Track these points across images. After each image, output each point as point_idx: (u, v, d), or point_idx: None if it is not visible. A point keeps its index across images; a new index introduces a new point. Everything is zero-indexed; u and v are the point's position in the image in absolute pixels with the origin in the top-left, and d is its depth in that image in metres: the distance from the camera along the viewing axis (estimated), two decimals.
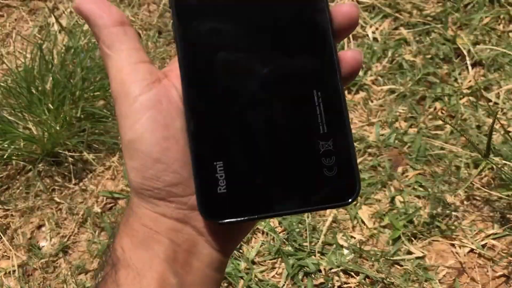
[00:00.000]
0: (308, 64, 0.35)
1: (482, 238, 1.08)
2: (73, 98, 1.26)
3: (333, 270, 1.06)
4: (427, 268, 1.06)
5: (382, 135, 1.24)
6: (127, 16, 1.46)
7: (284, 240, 1.11)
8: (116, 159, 1.26)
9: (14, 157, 1.24)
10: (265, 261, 1.09)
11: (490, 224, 1.10)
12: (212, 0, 0.36)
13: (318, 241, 1.10)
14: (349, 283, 1.05)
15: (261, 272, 1.08)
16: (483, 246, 1.07)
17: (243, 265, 1.08)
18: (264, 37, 0.36)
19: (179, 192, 0.35)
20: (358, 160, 1.20)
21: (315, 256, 1.08)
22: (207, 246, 0.36)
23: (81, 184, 1.23)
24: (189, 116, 0.34)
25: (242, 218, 0.34)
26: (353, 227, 1.12)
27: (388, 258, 1.06)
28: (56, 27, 1.48)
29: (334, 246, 1.09)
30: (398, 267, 1.06)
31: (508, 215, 1.10)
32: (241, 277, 1.07)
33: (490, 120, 1.22)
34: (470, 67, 1.32)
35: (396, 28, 1.44)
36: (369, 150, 1.22)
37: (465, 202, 1.13)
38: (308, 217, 1.12)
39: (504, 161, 1.12)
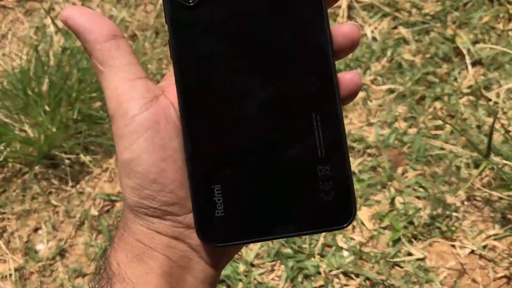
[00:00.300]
0: (307, 87, 0.35)
1: (483, 239, 1.07)
2: (69, 99, 1.25)
3: (333, 272, 1.05)
4: (427, 269, 1.05)
5: (382, 135, 1.23)
6: (123, 17, 1.46)
7: (283, 242, 1.10)
8: (113, 161, 1.25)
9: (10, 160, 1.23)
10: (264, 263, 1.08)
11: (491, 224, 1.09)
12: (210, 20, 0.35)
13: (317, 243, 1.09)
14: (349, 285, 1.04)
15: (260, 274, 1.07)
16: (484, 247, 1.06)
17: (242, 267, 1.07)
18: (263, 58, 0.35)
19: (175, 211, 0.34)
20: (358, 161, 1.19)
21: (314, 258, 1.07)
22: (201, 262, 0.36)
23: (78, 186, 1.22)
24: (187, 139, 0.34)
25: (239, 242, 0.34)
26: (353, 228, 1.11)
27: (388, 259, 1.05)
28: (52, 28, 1.47)
29: (334, 248, 1.08)
30: (399, 268, 1.05)
31: (509, 216, 1.09)
32: (240, 280, 1.06)
33: (490, 120, 1.21)
34: (469, 66, 1.31)
35: (395, 27, 1.43)
36: (369, 150, 1.21)
37: (466, 203, 1.12)
38: None
39: (504, 161, 1.11)
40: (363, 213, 1.12)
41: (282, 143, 0.35)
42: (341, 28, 0.35)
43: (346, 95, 0.35)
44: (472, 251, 1.07)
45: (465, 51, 1.33)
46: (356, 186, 1.15)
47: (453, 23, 1.40)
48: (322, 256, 1.08)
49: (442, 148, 1.18)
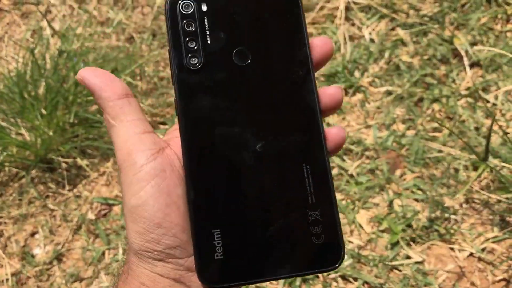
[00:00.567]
0: (298, 141, 0.39)
1: (481, 241, 1.07)
2: (66, 103, 1.24)
3: (331, 276, 1.05)
4: (426, 272, 1.04)
5: (380, 137, 1.23)
6: (120, 19, 1.45)
7: None
8: (111, 164, 1.24)
9: (6, 164, 1.23)
10: None
11: (489, 227, 1.09)
12: (212, 82, 0.39)
13: None
14: None
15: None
16: (483, 249, 1.06)
17: None
18: (258, 116, 0.40)
19: (177, 254, 0.37)
20: (356, 163, 1.18)
21: None
22: None
23: (75, 190, 1.22)
24: (189, 187, 0.37)
25: (237, 283, 0.37)
26: (351, 231, 1.11)
27: (386, 263, 1.05)
28: (48, 31, 1.46)
29: None
30: (397, 272, 1.05)
31: (507, 218, 1.08)
32: None
33: (488, 122, 1.21)
34: (468, 68, 1.31)
35: (392, 29, 1.42)
36: (367, 153, 1.20)
37: (464, 205, 1.11)
38: None
39: (503, 164, 1.11)
40: (361, 216, 1.12)
41: (277, 191, 0.39)
42: (327, 90, 0.40)
43: (333, 146, 0.40)
44: (471, 254, 1.06)
45: (463, 53, 1.32)
46: (354, 189, 1.15)
47: (451, 24, 1.40)
48: None
49: (440, 151, 1.18)
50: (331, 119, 1.26)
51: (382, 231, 1.10)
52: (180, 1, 0.40)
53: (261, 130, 0.39)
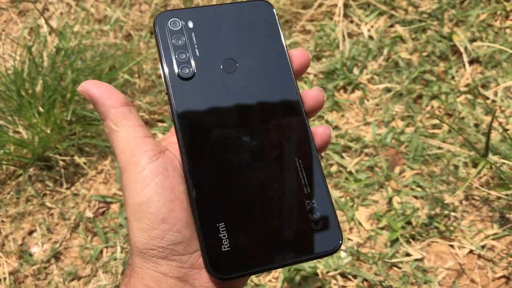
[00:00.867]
0: (289, 140, 0.43)
1: (481, 238, 1.06)
2: (63, 100, 1.24)
3: (330, 274, 1.04)
4: (426, 270, 1.04)
5: (379, 134, 1.22)
6: (118, 16, 1.44)
7: None
8: (108, 162, 1.24)
9: (4, 162, 1.22)
10: None
11: (489, 224, 1.08)
12: (203, 89, 0.43)
13: None
14: (346, 287, 1.03)
15: (257, 276, 1.06)
16: (483, 246, 1.06)
17: None
18: (250, 118, 0.43)
19: (181, 250, 0.38)
20: (355, 161, 1.18)
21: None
22: None
23: (72, 188, 1.21)
24: (191, 185, 0.40)
25: (246, 272, 0.39)
26: (350, 229, 1.10)
27: (386, 260, 1.04)
28: (46, 28, 1.45)
29: None
30: (397, 269, 1.04)
31: (507, 215, 1.08)
32: None
33: (488, 118, 1.20)
34: (467, 65, 1.30)
35: (391, 26, 1.42)
36: (366, 150, 1.20)
37: (464, 202, 1.11)
38: None
39: (502, 160, 1.11)
40: (361, 213, 1.11)
41: (275, 184, 0.42)
42: (308, 92, 0.45)
43: (320, 143, 0.44)
44: (471, 251, 1.06)
45: (462, 49, 1.32)
46: (353, 186, 1.14)
47: (450, 21, 1.40)
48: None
49: (439, 147, 1.17)
50: (330, 116, 1.26)
51: (382, 228, 1.09)
52: (168, 19, 0.44)
53: (254, 130, 0.43)
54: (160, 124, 1.30)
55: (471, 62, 1.32)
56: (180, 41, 0.44)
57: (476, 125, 1.20)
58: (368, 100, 1.29)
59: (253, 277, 1.05)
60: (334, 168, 1.18)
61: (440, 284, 1.02)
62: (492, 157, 1.12)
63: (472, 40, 1.35)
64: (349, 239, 1.08)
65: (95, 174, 1.23)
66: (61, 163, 1.21)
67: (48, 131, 1.20)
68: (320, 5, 1.46)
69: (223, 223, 0.39)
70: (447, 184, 1.12)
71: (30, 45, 1.32)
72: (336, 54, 1.37)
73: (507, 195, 1.07)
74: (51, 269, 1.11)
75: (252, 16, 0.46)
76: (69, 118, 1.21)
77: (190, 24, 0.45)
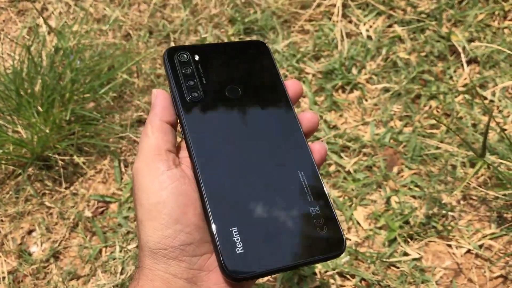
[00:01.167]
0: (291, 154, 0.48)
1: (479, 238, 1.07)
2: (62, 100, 1.24)
3: (328, 273, 1.05)
4: (423, 269, 1.04)
5: (377, 134, 1.22)
6: (117, 16, 1.45)
7: None
8: (107, 162, 1.24)
9: (3, 161, 1.22)
10: None
11: (487, 224, 1.09)
12: (211, 110, 0.48)
13: None
14: (344, 286, 1.04)
15: None
16: (480, 246, 1.06)
17: None
18: (255, 132, 0.48)
19: (191, 251, 0.40)
20: (354, 160, 1.18)
21: None
22: None
23: (72, 188, 1.21)
24: (205, 193, 0.43)
25: (259, 273, 0.41)
26: (349, 228, 1.10)
27: (384, 260, 1.04)
28: (44, 28, 1.45)
29: None
30: (395, 269, 1.05)
31: (505, 215, 1.08)
32: None
33: (485, 118, 1.21)
34: (465, 65, 1.31)
35: (390, 26, 1.42)
36: (364, 150, 1.20)
37: (462, 202, 1.11)
38: None
39: (500, 160, 1.11)
40: (359, 213, 1.12)
41: (281, 193, 0.45)
42: (305, 115, 0.50)
43: (318, 157, 0.49)
44: (468, 251, 1.06)
45: (460, 49, 1.32)
46: (352, 185, 1.14)
47: (448, 21, 1.40)
48: None
49: (437, 147, 1.18)
50: (328, 116, 1.26)
51: (380, 228, 1.10)
52: (176, 53, 0.50)
53: (259, 146, 0.48)
54: None
55: (469, 62, 1.32)
56: (188, 70, 0.49)
57: (474, 125, 1.21)
58: (366, 100, 1.29)
59: None
60: (332, 168, 1.18)
61: (438, 283, 1.03)
62: (490, 157, 1.12)
63: (470, 40, 1.35)
64: (347, 238, 1.09)
65: (94, 173, 1.23)
66: (60, 162, 1.22)
67: (47, 131, 1.20)
68: (318, 5, 1.46)
69: (235, 228, 0.42)
70: (445, 184, 1.13)
71: (29, 44, 1.32)
72: (335, 54, 1.37)
73: (504, 195, 1.08)
74: (50, 269, 1.12)
75: (251, 52, 0.53)
76: (68, 118, 1.21)
77: (196, 57, 0.50)
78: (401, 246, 1.06)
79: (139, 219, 0.41)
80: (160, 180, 0.41)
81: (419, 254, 1.05)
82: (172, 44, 1.43)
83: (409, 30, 1.39)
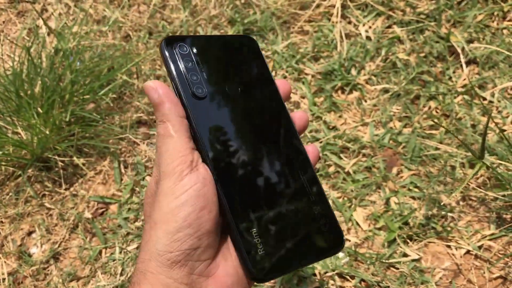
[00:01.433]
0: (292, 153, 0.49)
1: (478, 239, 1.07)
2: (62, 101, 1.24)
3: (328, 274, 1.05)
4: (423, 270, 1.04)
5: (376, 135, 1.23)
6: (116, 17, 1.45)
7: None
8: (107, 163, 1.24)
9: (3, 163, 1.22)
10: None
11: (486, 224, 1.09)
12: (216, 106, 0.47)
13: None
14: (344, 287, 1.04)
15: None
16: (480, 247, 1.06)
17: None
18: (259, 135, 0.48)
19: (195, 256, 0.40)
20: (353, 161, 1.18)
21: None
22: None
23: (71, 189, 1.21)
24: (225, 196, 0.43)
25: (279, 273, 0.43)
26: (348, 229, 1.11)
27: (383, 261, 1.05)
28: (44, 29, 1.45)
29: None
30: (394, 269, 1.05)
31: (504, 216, 1.09)
32: None
33: (485, 119, 1.21)
34: (464, 65, 1.31)
35: (389, 26, 1.42)
36: (363, 151, 1.20)
37: (461, 203, 1.11)
38: None
39: (499, 161, 1.11)
40: (358, 214, 1.12)
41: (288, 191, 0.47)
42: (295, 114, 0.51)
43: (312, 158, 0.50)
44: (468, 252, 1.06)
45: (459, 50, 1.32)
46: (351, 186, 1.15)
47: (447, 21, 1.40)
48: None
49: (437, 148, 1.18)
50: (328, 117, 1.26)
51: (379, 228, 1.10)
52: (175, 43, 0.48)
53: (267, 148, 0.48)
54: None
55: (468, 63, 1.33)
56: (190, 64, 0.47)
57: (473, 126, 1.21)
58: (365, 101, 1.29)
59: None
60: (331, 169, 1.18)
61: (437, 284, 1.03)
62: (489, 158, 1.12)
63: (469, 41, 1.35)
64: (347, 239, 1.09)
65: (94, 175, 1.23)
66: (60, 164, 1.22)
67: (47, 132, 1.20)
68: (318, 6, 1.46)
69: (255, 229, 0.43)
70: (444, 185, 1.13)
71: (28, 46, 1.32)
72: (334, 54, 1.37)
73: (504, 195, 1.08)
74: (50, 270, 1.12)
75: (244, 46, 0.51)
76: (68, 119, 1.21)
77: (194, 50, 0.48)
78: (401, 247, 1.07)
79: (154, 221, 0.41)
80: (183, 183, 0.41)
81: (419, 255, 1.06)
82: None
83: (408, 31, 1.40)
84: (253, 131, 0.48)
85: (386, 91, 1.30)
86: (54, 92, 1.22)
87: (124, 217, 1.16)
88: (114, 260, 1.11)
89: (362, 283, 1.04)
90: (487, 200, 1.10)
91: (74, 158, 1.22)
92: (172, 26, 1.46)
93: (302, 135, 1.21)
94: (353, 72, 1.34)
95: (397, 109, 1.27)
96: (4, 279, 1.10)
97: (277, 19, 1.45)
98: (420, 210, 1.10)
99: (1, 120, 1.24)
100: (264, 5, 1.47)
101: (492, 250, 1.06)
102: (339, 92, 1.32)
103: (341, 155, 1.21)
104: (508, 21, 1.39)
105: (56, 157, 1.22)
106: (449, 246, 1.07)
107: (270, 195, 0.45)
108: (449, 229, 1.08)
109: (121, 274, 1.09)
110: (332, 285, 1.04)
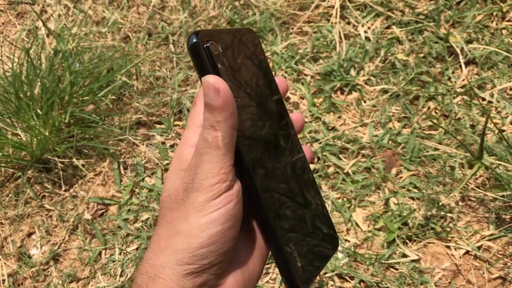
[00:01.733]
0: (299, 156, 0.48)
1: (477, 239, 1.07)
2: (61, 103, 1.24)
3: (327, 275, 1.05)
4: (422, 271, 1.04)
5: (376, 136, 1.23)
6: (116, 18, 1.45)
7: None
8: (107, 164, 1.24)
9: (3, 164, 1.23)
10: None
11: (485, 225, 1.09)
12: (246, 108, 0.43)
13: None
14: None
15: None
16: (479, 247, 1.06)
17: None
18: (287, 146, 0.47)
19: (211, 271, 0.40)
20: (352, 162, 1.18)
21: None
22: None
23: (71, 190, 1.21)
24: (265, 214, 0.43)
25: (312, 281, 0.44)
26: (347, 230, 1.11)
27: (383, 261, 1.05)
28: (44, 30, 1.46)
29: None
30: (393, 270, 1.05)
31: (503, 216, 1.09)
32: None
33: (484, 120, 1.21)
34: (463, 66, 1.31)
35: (388, 27, 1.42)
36: (363, 151, 1.20)
37: (460, 203, 1.11)
38: None
39: (498, 162, 1.11)
40: (358, 215, 1.12)
41: (306, 202, 0.46)
42: (293, 116, 0.50)
43: (309, 159, 0.50)
44: (467, 252, 1.06)
45: (458, 50, 1.32)
46: (350, 187, 1.15)
47: (446, 22, 1.40)
48: None
49: (436, 149, 1.18)
50: (327, 117, 1.26)
51: (378, 229, 1.10)
52: (205, 41, 0.41)
53: (285, 156, 0.46)
54: (158, 126, 1.31)
55: (467, 63, 1.33)
56: (221, 64, 0.41)
57: (472, 126, 1.21)
58: (365, 102, 1.29)
59: None
60: (331, 170, 1.19)
61: (437, 285, 1.03)
62: (488, 159, 1.13)
63: (468, 42, 1.35)
64: (346, 240, 1.09)
65: (94, 176, 1.23)
66: (59, 165, 1.22)
67: (47, 134, 1.20)
68: (317, 7, 1.46)
69: (291, 243, 0.43)
70: (443, 186, 1.13)
71: (28, 47, 1.33)
72: (333, 55, 1.37)
73: (503, 196, 1.08)
74: (50, 271, 1.12)
75: (250, 39, 0.47)
76: (67, 121, 1.21)
77: (220, 47, 0.42)
78: (400, 248, 1.07)
79: (177, 230, 0.40)
80: (216, 201, 0.40)
81: (418, 255, 1.06)
82: (171, 46, 1.43)
83: (407, 32, 1.40)
84: (276, 139, 0.45)
85: (385, 91, 1.30)
86: (54, 93, 1.22)
87: (124, 218, 1.16)
88: (114, 261, 1.11)
89: (362, 283, 1.04)
90: (486, 200, 1.11)
91: (74, 159, 1.22)
92: (171, 27, 1.46)
93: (300, 135, 1.21)
94: (352, 72, 1.34)
95: (396, 110, 1.27)
96: (4, 280, 1.10)
97: (276, 20, 1.45)
98: (419, 211, 1.10)
99: (0, 121, 1.25)
100: (263, 6, 1.47)
101: (492, 250, 1.06)
102: (338, 92, 1.32)
103: (341, 155, 1.21)
104: (507, 21, 1.39)
105: (56, 158, 1.22)
106: (448, 247, 1.07)
107: (296, 208, 0.45)
108: (448, 229, 1.08)
109: (121, 275, 1.09)
110: (332, 285, 1.04)
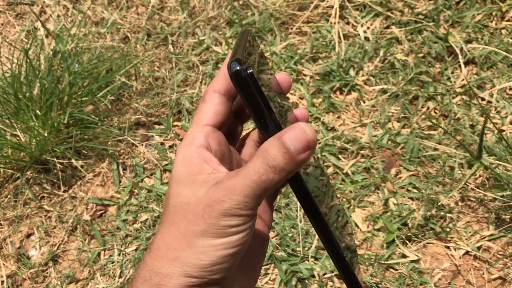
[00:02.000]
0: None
1: (477, 239, 1.07)
2: (61, 103, 1.24)
3: (327, 276, 1.05)
4: (422, 271, 1.04)
5: (375, 136, 1.23)
6: (115, 19, 1.45)
7: (276, 245, 1.09)
8: (106, 165, 1.24)
9: (1, 165, 1.22)
10: None
11: (485, 225, 1.09)
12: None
13: (311, 246, 1.08)
14: None
15: None
16: (479, 248, 1.06)
17: None
18: None
19: (218, 284, 0.40)
20: (352, 162, 1.18)
21: (308, 261, 1.07)
22: None
23: (70, 191, 1.21)
24: (334, 241, 0.42)
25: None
26: None
27: (382, 262, 1.05)
28: (43, 31, 1.46)
29: None
30: (393, 271, 1.05)
31: (503, 216, 1.08)
32: None
33: (483, 119, 1.21)
34: (463, 66, 1.31)
35: (387, 27, 1.42)
36: (362, 151, 1.20)
37: (460, 203, 1.11)
38: (301, 221, 1.11)
39: (498, 162, 1.11)
40: (357, 215, 1.12)
41: (326, 199, 0.46)
42: (297, 112, 0.47)
43: (305, 119, 0.48)
44: (467, 252, 1.06)
45: (458, 50, 1.32)
46: (350, 187, 1.15)
47: (445, 22, 1.40)
48: (316, 259, 1.07)
49: (435, 149, 1.18)
50: (326, 118, 1.26)
51: (378, 230, 1.10)
52: (250, 68, 0.37)
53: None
54: (157, 126, 1.30)
55: (466, 63, 1.32)
56: (268, 91, 0.39)
57: (472, 126, 1.21)
58: (364, 102, 1.29)
59: None
60: (330, 170, 1.18)
61: (436, 285, 1.03)
62: (488, 158, 1.12)
63: (467, 41, 1.35)
64: None
65: (93, 176, 1.23)
66: (58, 166, 1.22)
67: (46, 134, 1.20)
68: (316, 7, 1.46)
69: (344, 252, 0.43)
70: (443, 186, 1.13)
71: (27, 48, 1.32)
72: (332, 55, 1.37)
73: (502, 196, 1.08)
74: (49, 272, 1.12)
75: (253, 43, 0.44)
76: (67, 121, 1.21)
77: (255, 70, 0.38)
78: (399, 248, 1.07)
79: (190, 245, 0.39)
80: (239, 229, 0.38)
81: (417, 256, 1.06)
82: (170, 47, 1.43)
83: (407, 31, 1.39)
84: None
85: (384, 91, 1.30)
86: (53, 94, 1.22)
87: (123, 219, 1.16)
88: (113, 262, 1.11)
89: None
90: (486, 200, 1.10)
91: (73, 160, 1.22)
92: (171, 28, 1.46)
93: None
94: (352, 72, 1.34)
95: (396, 110, 1.26)
96: (3, 281, 1.10)
97: (275, 20, 1.45)
98: (419, 211, 1.10)
99: (0, 122, 1.25)
100: (262, 6, 1.47)
101: (491, 250, 1.05)
102: (338, 93, 1.32)
103: (340, 156, 1.21)
104: (507, 21, 1.39)
105: (55, 159, 1.22)
106: (448, 247, 1.07)
107: (330, 215, 0.45)
108: (448, 230, 1.08)
109: (120, 276, 1.09)
110: (331, 286, 1.04)
